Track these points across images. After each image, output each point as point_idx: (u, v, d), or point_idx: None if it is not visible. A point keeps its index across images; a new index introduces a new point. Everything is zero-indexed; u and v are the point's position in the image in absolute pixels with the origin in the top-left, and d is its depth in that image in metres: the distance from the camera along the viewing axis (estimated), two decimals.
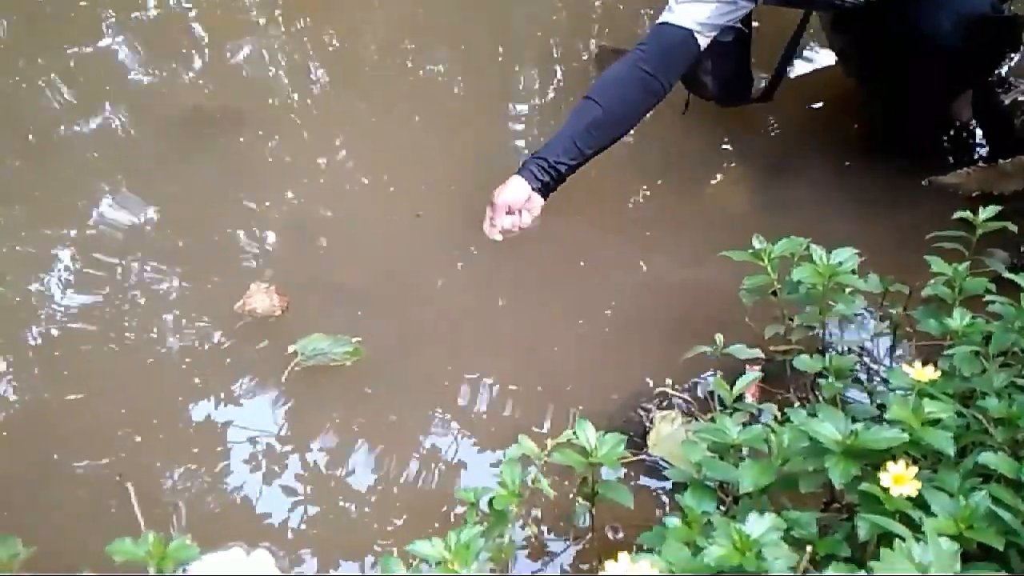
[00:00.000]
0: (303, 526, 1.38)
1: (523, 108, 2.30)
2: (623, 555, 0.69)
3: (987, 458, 0.97)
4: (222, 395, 1.56)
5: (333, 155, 2.14)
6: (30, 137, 2.15)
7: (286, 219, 1.94)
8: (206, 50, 2.48)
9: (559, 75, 2.42)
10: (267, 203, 1.97)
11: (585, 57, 2.45)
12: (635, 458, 1.45)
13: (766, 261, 1.40)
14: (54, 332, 1.67)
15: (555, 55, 2.48)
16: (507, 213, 1.65)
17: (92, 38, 2.48)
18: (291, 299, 1.71)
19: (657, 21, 1.71)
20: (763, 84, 2.08)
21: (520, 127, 2.24)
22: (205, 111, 2.24)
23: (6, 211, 1.93)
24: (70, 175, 2.06)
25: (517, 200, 1.63)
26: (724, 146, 2.14)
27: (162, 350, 1.64)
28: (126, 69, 2.39)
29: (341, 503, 1.42)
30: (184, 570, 1.15)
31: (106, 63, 2.41)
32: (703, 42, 1.69)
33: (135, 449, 1.47)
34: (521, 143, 2.18)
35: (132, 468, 1.42)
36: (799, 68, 2.29)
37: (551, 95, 2.36)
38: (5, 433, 1.50)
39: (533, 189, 1.63)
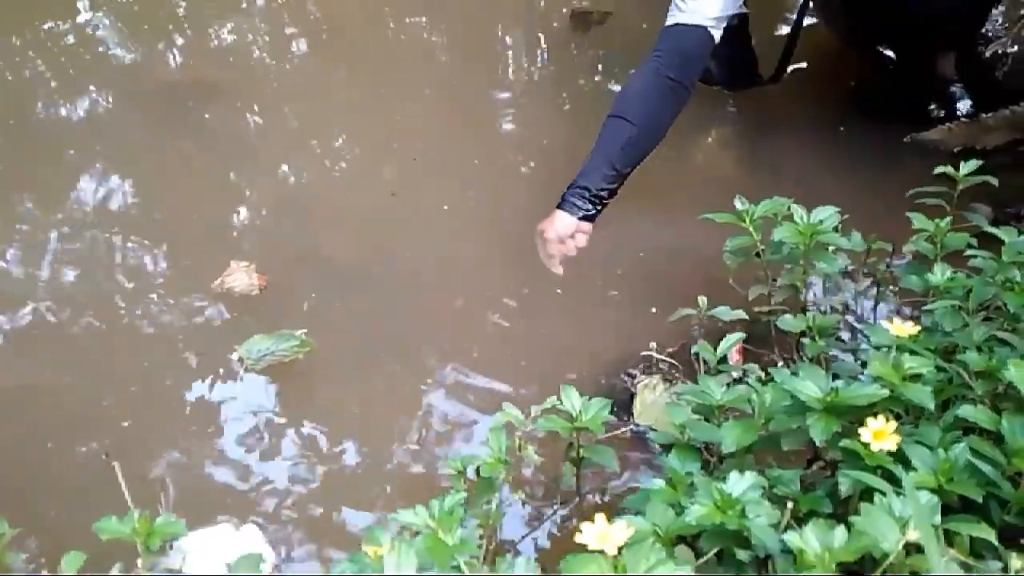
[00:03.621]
0: (291, 501, 1.38)
1: (506, 78, 2.28)
2: (599, 516, 0.70)
3: (966, 411, 0.97)
4: (206, 373, 1.56)
5: (311, 128, 2.12)
6: (6, 112, 2.12)
7: (264, 195, 1.92)
8: (183, 22, 2.44)
9: (542, 44, 2.40)
10: (245, 178, 1.96)
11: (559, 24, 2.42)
12: (621, 428, 1.45)
13: (749, 222, 1.39)
14: (34, 311, 1.66)
15: (535, 23, 2.45)
16: (559, 242, 1.62)
17: (68, 13, 2.44)
18: (269, 277, 1.69)
19: (667, 23, 1.64)
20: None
21: (500, 97, 2.22)
22: (182, 84, 2.21)
23: None
24: (48, 152, 2.04)
25: (565, 233, 1.60)
26: (707, 110, 2.13)
27: (144, 328, 1.63)
28: (102, 43, 2.36)
29: (329, 478, 1.42)
30: (172, 546, 1.16)
31: (82, 37, 2.38)
32: (717, 35, 1.64)
33: (120, 428, 1.47)
34: (501, 113, 2.16)
35: (118, 447, 1.41)
36: (782, 28, 2.27)
37: (532, 64, 2.34)
38: None
39: (579, 219, 1.60)
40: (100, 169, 1.99)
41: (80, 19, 2.43)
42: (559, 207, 1.60)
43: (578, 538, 0.68)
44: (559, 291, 1.70)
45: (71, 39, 2.38)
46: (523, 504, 1.33)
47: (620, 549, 0.70)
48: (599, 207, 1.60)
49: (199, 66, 2.29)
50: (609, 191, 1.59)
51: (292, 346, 1.55)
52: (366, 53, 2.36)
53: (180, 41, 2.39)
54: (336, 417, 1.51)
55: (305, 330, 1.57)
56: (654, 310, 1.64)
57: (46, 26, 2.40)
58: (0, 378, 1.55)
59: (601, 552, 0.68)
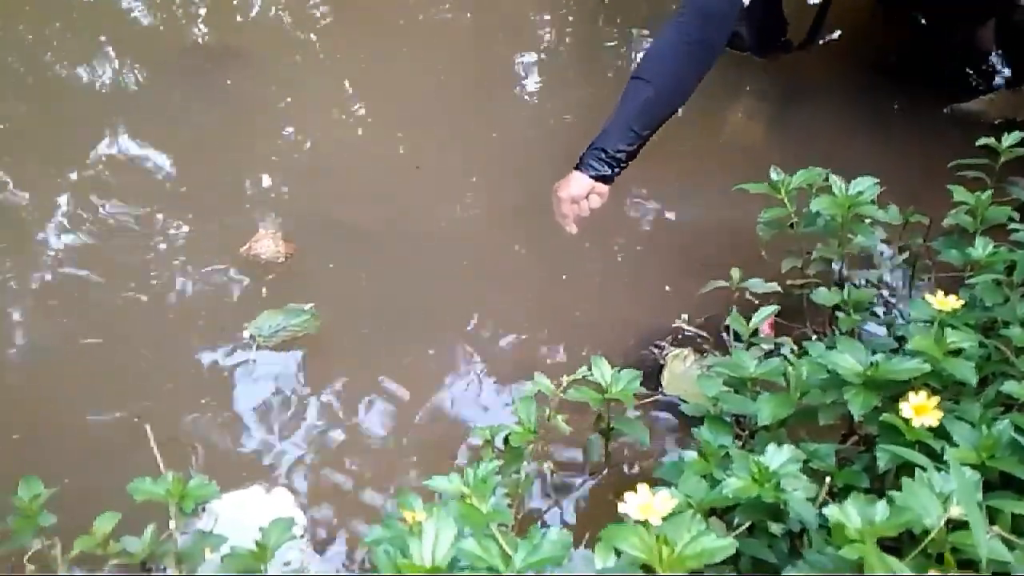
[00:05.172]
0: (321, 465, 1.39)
1: (529, 49, 2.24)
2: (642, 487, 0.69)
3: (1010, 387, 0.96)
4: (231, 340, 1.56)
5: (333, 97, 2.10)
6: (30, 79, 2.12)
7: (288, 163, 1.91)
8: None
9: (568, 16, 2.36)
10: (269, 146, 1.94)
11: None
12: (649, 398, 1.44)
13: (783, 193, 1.37)
14: (67, 278, 1.67)
15: None
16: (572, 202, 1.59)
17: None
18: (297, 243, 1.69)
19: None
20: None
21: (524, 65, 2.19)
22: (207, 49, 2.20)
23: (13, 157, 1.91)
24: (74, 119, 2.03)
25: (579, 195, 1.57)
26: (739, 79, 2.09)
27: (173, 293, 1.63)
28: (126, 7, 2.34)
29: (359, 442, 1.43)
30: (204, 508, 1.16)
31: (104, 2, 2.37)
32: None
33: (150, 392, 1.47)
34: (525, 82, 2.14)
35: (149, 410, 1.42)
36: None
37: (557, 31, 2.30)
38: (24, 377, 1.51)
39: (595, 180, 1.57)
40: (126, 135, 1.98)
41: None
42: (576, 168, 1.58)
43: (620, 508, 0.67)
44: (592, 260, 1.69)
45: (93, 3, 2.37)
46: (551, 474, 1.33)
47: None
48: (616, 169, 1.57)
49: (223, 32, 2.27)
50: (627, 153, 1.56)
51: (303, 320, 1.55)
52: (389, 20, 2.33)
53: (202, 6, 2.37)
54: (362, 385, 1.51)
55: (313, 304, 1.58)
56: (683, 282, 1.62)
57: None
58: (32, 342, 1.56)
59: (642, 523, 0.67)
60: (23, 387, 1.50)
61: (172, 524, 0.99)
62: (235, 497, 1.22)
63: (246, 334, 1.55)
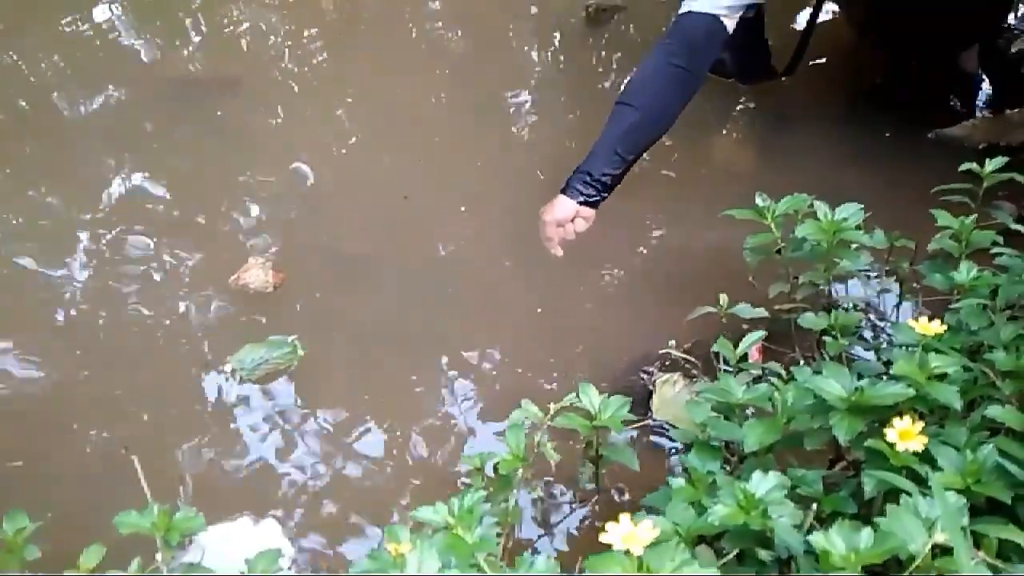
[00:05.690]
0: (310, 496, 1.38)
1: (517, 77, 2.27)
2: (624, 516, 0.69)
3: (995, 411, 0.96)
4: (219, 370, 1.56)
5: (326, 122, 2.11)
6: (25, 107, 2.13)
7: (279, 192, 1.92)
8: (200, 16, 2.44)
9: (557, 40, 2.38)
10: (259, 175, 1.95)
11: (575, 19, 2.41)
12: (639, 423, 1.44)
13: (770, 219, 1.38)
14: (53, 306, 1.67)
15: (549, 18, 2.44)
16: (558, 226, 1.61)
17: (85, 6, 2.45)
18: (286, 273, 1.69)
19: (679, 11, 1.62)
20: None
21: (514, 94, 2.21)
22: (200, 79, 2.21)
23: (1, 183, 1.92)
24: (66, 147, 2.04)
25: (564, 218, 1.59)
26: (727, 105, 2.11)
27: (163, 323, 1.63)
28: (119, 37, 2.36)
29: (347, 473, 1.42)
30: (191, 540, 1.16)
31: (98, 31, 2.39)
32: (730, 25, 1.61)
33: (137, 423, 1.47)
34: (515, 110, 2.16)
35: (137, 441, 1.42)
36: (799, 22, 2.25)
37: (547, 60, 2.32)
38: (10, 407, 1.50)
39: (580, 203, 1.58)
40: (118, 164, 1.99)
41: (96, 13, 2.44)
42: (562, 191, 1.60)
43: (603, 538, 0.67)
44: (581, 286, 1.70)
45: (88, 33, 2.39)
46: (541, 502, 1.32)
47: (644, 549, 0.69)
48: (602, 193, 1.59)
49: (214, 62, 2.29)
50: (612, 177, 1.58)
51: (284, 353, 1.55)
52: (381, 50, 2.35)
53: (196, 36, 2.39)
54: (350, 415, 1.50)
55: (297, 335, 1.57)
56: (671, 307, 1.62)
57: (64, 20, 2.41)
58: (19, 373, 1.56)
59: (625, 552, 0.67)
60: (8, 418, 1.49)
61: (159, 557, 0.98)
62: (222, 529, 1.21)
63: (227, 368, 1.55)
